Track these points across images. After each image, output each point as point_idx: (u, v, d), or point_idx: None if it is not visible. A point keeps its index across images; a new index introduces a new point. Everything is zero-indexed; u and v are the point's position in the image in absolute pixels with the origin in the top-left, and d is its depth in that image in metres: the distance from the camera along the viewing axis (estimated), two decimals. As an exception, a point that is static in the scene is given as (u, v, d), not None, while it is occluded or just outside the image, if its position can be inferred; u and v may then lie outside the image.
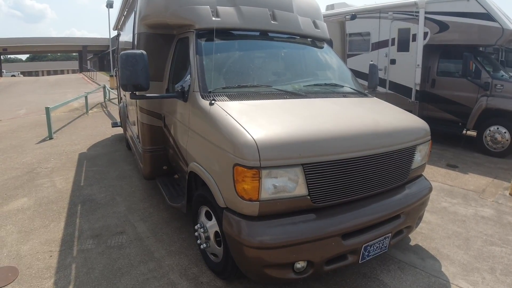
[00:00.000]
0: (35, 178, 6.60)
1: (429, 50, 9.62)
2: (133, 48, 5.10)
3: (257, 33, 4.29)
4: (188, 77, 3.67)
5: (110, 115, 14.87)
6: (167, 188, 4.61)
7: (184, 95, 3.63)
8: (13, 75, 61.06)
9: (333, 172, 2.86)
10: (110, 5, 35.03)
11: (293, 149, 2.67)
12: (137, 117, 5.12)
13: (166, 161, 5.00)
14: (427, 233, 4.56)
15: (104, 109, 16.85)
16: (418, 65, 9.55)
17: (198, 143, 3.42)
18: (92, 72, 42.30)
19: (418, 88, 9.70)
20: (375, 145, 3.10)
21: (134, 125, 5.84)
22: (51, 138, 10.20)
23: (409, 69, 9.85)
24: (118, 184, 6.16)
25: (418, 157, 3.62)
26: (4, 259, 3.84)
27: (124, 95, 7.62)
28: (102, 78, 39.00)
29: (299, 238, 2.71)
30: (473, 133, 9.41)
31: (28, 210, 5.13)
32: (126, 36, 6.89)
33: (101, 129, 11.64)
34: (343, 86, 4.32)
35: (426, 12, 9.39)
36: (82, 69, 58.56)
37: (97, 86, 29.94)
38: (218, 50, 3.94)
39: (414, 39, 9.80)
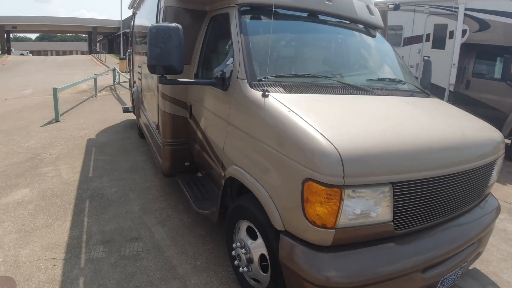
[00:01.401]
0: (39, 165, 5.99)
1: (465, 49, 8.86)
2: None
3: (306, 14, 3.60)
4: (230, 61, 3.00)
5: (119, 99, 14.24)
6: (190, 188, 3.97)
7: (224, 83, 2.97)
8: (22, 54, 60.47)
9: (421, 192, 2.22)
10: (122, -14, 34.15)
11: (384, 162, 2.03)
12: (157, 104, 4.47)
13: (189, 156, 4.37)
14: (482, 255, 3.92)
15: (113, 92, 16.22)
16: (454, 65, 8.82)
17: (243, 143, 2.75)
18: (102, 54, 41.58)
19: (452, 89, 8.98)
20: (464, 160, 2.52)
21: (152, 112, 5.21)
22: (57, 120, 9.59)
23: (443, 68, 9.09)
24: (131, 177, 5.53)
25: (494, 172, 3.03)
26: (0, 266, 3.23)
27: (139, 78, 6.97)
28: (112, 60, 38.27)
29: (379, 275, 2.07)
30: (507, 141, 8.68)
31: (30, 204, 4.52)
32: (145, 14, 6.22)
33: (110, 113, 11.01)
34: (405, 83, 3.66)
35: (466, 9, 8.63)
36: (91, 50, 57.83)
37: (106, 68, 29.33)
38: (266, 30, 3.27)
39: (451, 36, 9.07)
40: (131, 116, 9.75)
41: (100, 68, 30.30)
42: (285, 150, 2.16)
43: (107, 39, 68.54)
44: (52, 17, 59.34)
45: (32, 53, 73.46)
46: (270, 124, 2.36)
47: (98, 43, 61.31)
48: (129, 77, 9.97)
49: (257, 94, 2.59)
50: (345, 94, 2.87)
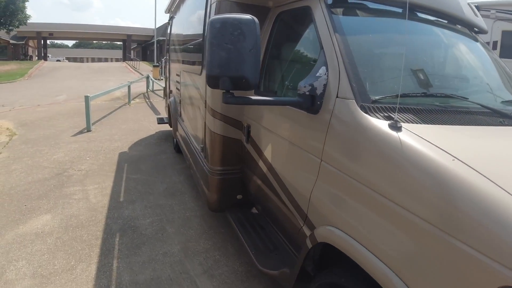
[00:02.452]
0: (65, 184, 5.30)
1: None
2: (204, 32, 3.67)
3: (400, 10, 2.68)
4: (321, 72, 2.11)
5: (153, 107, 13.67)
6: (246, 231, 3.11)
7: (313, 102, 2.09)
8: (58, 60, 62.01)
9: None
10: (158, -6, 34.19)
11: None
12: (204, 122, 3.66)
13: (242, 188, 3.52)
14: None
15: (147, 100, 15.71)
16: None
17: (353, 197, 1.78)
18: (135, 62, 41.81)
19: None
20: None
21: (195, 130, 4.41)
22: (89, 130, 9.00)
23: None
24: (167, 203, 4.73)
25: None
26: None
27: (177, 88, 6.22)
28: (145, 67, 38.35)
29: None
30: None
31: (50, 236, 3.78)
32: (186, 16, 5.48)
33: (144, 123, 10.38)
34: None
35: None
36: (125, 58, 58.60)
37: (139, 75, 29.23)
38: (365, 29, 2.42)
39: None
40: (165, 127, 9.06)
41: (134, 75, 30.23)
42: (456, 231, 1.23)
43: (140, 46, 69.46)
44: (87, 24, 60.52)
45: (68, 59, 75.49)
46: (417, 180, 1.42)
47: (132, 51, 62.10)
48: (164, 85, 9.29)
49: (376, 123, 1.68)
50: (495, 125, 1.94)
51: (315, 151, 2.10)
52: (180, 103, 5.93)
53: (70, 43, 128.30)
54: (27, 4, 31.71)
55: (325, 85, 2.07)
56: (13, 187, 5.13)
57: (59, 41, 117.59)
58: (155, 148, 7.60)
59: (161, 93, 16.26)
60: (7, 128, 9.08)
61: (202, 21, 3.80)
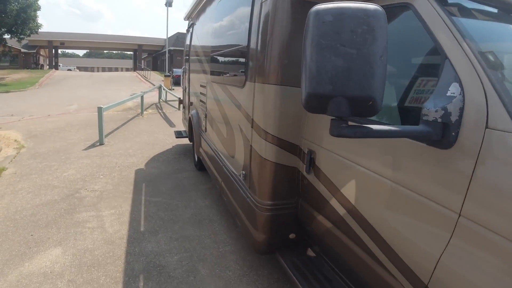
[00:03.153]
0: (77, 207, 4.67)
1: None
2: (249, 38, 3.03)
3: None
4: (452, 90, 1.45)
5: (166, 118, 13.09)
6: (307, 283, 2.44)
7: (445, 133, 1.44)
8: (69, 69, 62.12)
9: None
10: (169, 4, 33.95)
11: None
12: (249, 146, 3.01)
13: (296, 225, 2.86)
14: None
15: (160, 111, 15.15)
16: None
17: None
18: (146, 71, 41.56)
19: None
20: None
21: (230, 150, 3.77)
22: (101, 144, 8.41)
23: None
24: (195, 234, 4.08)
25: None
26: None
27: (201, 101, 5.61)
28: (156, 77, 38.02)
29: None
30: None
31: (61, 278, 3.13)
32: (216, 21, 4.90)
33: (159, 135, 9.78)
34: None
35: None
36: (136, 67, 58.54)
37: (150, 85, 28.84)
38: (493, 35, 1.81)
39: None
40: (182, 140, 8.45)
41: (145, 85, 29.86)
42: None
43: (151, 56, 69.46)
44: (99, 34, 60.96)
45: (79, 69, 75.66)
46: None
47: (142, 61, 62.12)
48: (178, 96, 8.70)
49: None
50: None
51: (448, 201, 1.44)
52: (205, 117, 5.31)
53: (81, 52, 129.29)
54: (38, 13, 31.46)
55: (461, 109, 1.42)
56: (18, 211, 4.52)
57: (70, 51, 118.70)
58: (174, 164, 6.97)
59: (175, 103, 15.72)
60: (15, 140, 8.53)
61: (246, 24, 3.18)
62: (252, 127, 2.92)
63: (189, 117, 6.80)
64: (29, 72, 37.34)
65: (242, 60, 3.33)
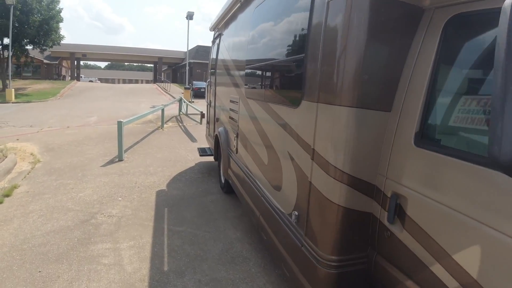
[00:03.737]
0: (92, 237, 4.13)
1: None
2: (307, 47, 2.45)
3: None
4: None
5: (187, 132, 12.60)
6: None
7: None
8: (91, 81, 62.83)
9: None
10: (190, 17, 33.97)
11: None
12: (309, 182, 2.40)
13: (365, 283, 2.23)
14: None
15: (180, 124, 14.70)
16: None
17: None
18: (166, 84, 41.57)
19: None
20: None
21: (276, 181, 3.16)
22: (120, 160, 7.93)
23: None
24: (229, 277, 3.46)
25: None
26: None
27: (232, 118, 5.06)
28: (176, 89, 37.92)
29: None
30: None
31: (67, 336, 2.56)
32: (246, 30, 4.38)
33: (180, 152, 9.26)
34: None
35: None
36: (156, 80, 58.88)
37: (170, 97, 28.66)
38: None
39: None
40: (206, 158, 7.89)
41: (165, 97, 29.71)
42: None
43: (171, 69, 69.91)
44: (120, 46, 61.49)
45: (101, 80, 76.64)
46: None
47: (162, 73, 62.52)
48: (206, 111, 8.18)
49: None
50: None
51: None
52: (237, 137, 4.74)
53: (102, 64, 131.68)
54: (61, 25, 31.72)
55: None
56: (27, 239, 4.01)
57: (92, 62, 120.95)
58: (198, 185, 6.40)
59: (195, 117, 15.23)
60: (31, 154, 8.13)
61: (302, 30, 2.60)
62: (312, 159, 2.32)
63: (216, 135, 6.24)
64: (51, 83, 37.71)
65: (295, 74, 2.76)
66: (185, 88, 29.33)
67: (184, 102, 18.59)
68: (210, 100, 7.54)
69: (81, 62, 70.48)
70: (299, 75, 2.59)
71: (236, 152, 4.80)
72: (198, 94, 31.19)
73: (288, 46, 2.93)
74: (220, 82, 6.30)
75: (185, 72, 38.64)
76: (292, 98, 2.74)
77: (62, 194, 5.54)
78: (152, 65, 76.35)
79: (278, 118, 3.03)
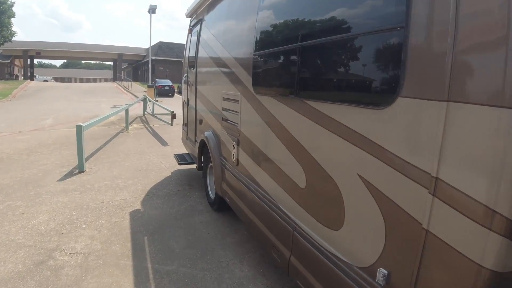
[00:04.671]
0: (49, 290, 3.01)
1: None
2: (409, 13, 1.50)
3: None
4: None
5: (156, 135, 11.38)
6: None
7: None
8: (46, 80, 59.18)
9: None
10: (152, 11, 32.22)
11: None
12: (423, 230, 1.46)
13: None
14: None
15: (146, 125, 13.41)
16: None
17: None
18: (127, 82, 39.55)
19: None
20: None
21: (325, 216, 2.21)
22: (81, 171, 6.69)
23: None
24: None
25: None
26: None
27: (228, 121, 4.03)
28: (137, 88, 36.12)
29: None
30: None
31: None
32: (247, 6, 3.40)
33: (151, 158, 8.10)
34: None
35: None
36: (116, 78, 56.27)
37: (133, 96, 27.10)
38: None
39: None
40: (184, 165, 6.77)
41: (126, 96, 28.07)
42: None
43: (131, 67, 67.32)
44: (77, 43, 58.20)
45: (56, 79, 72.44)
46: None
47: (122, 71, 59.94)
48: (183, 112, 7.08)
49: None
50: None
51: None
52: (238, 144, 3.73)
53: (57, 63, 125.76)
54: (14, 22, 29.30)
55: None
56: (-46, 300, 2.82)
57: (46, 61, 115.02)
58: (181, 201, 5.32)
59: (165, 117, 13.89)
60: (-28, 168, 6.73)
61: None
62: (433, 193, 1.35)
63: (202, 140, 5.17)
64: (2, 83, 34.81)
65: (380, 55, 1.77)
66: (148, 87, 27.86)
67: (149, 101, 17.21)
68: (188, 99, 6.45)
69: (35, 61, 66.54)
70: (391, 56, 1.62)
71: (237, 164, 3.78)
72: (162, 92, 29.84)
73: (361, 14, 1.93)
74: (204, 77, 5.25)
75: (147, 69, 37.06)
76: (373, 93, 1.77)
77: (10, 222, 4.32)
78: (111, 63, 73.36)
79: (331, 123, 2.05)
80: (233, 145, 3.85)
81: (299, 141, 2.47)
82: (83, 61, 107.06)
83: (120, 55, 57.09)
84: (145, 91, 28.71)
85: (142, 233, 4.18)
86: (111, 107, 19.15)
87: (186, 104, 6.66)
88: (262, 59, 3.19)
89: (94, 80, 79.51)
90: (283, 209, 2.73)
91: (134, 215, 4.71)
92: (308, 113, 2.32)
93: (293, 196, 2.60)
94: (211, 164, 5.07)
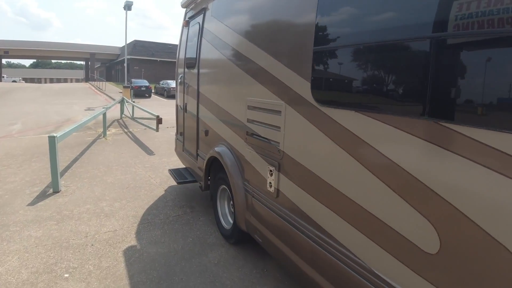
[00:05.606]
0: None
1: None
2: None
3: None
4: None
5: (137, 141, 10.25)
6: None
7: None
8: (14, 81, 56.28)
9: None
10: (128, 7, 30.57)
11: None
12: None
13: None
14: None
15: (126, 131, 12.21)
16: None
17: None
18: (100, 82, 37.76)
19: None
20: None
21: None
22: (56, 191, 5.58)
23: None
24: None
25: None
26: None
27: (261, 137, 3.06)
28: (112, 88, 34.49)
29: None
30: None
31: None
32: None
33: (137, 171, 7.02)
34: None
35: None
36: (88, 78, 54.04)
37: (107, 97, 25.78)
38: None
39: None
40: (180, 183, 5.72)
41: (101, 97, 26.61)
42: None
43: (104, 66, 64.98)
44: (47, 42, 55.65)
45: (26, 80, 69.10)
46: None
47: (95, 71, 57.67)
48: (177, 118, 6.06)
49: None
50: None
51: None
52: (278, 170, 2.78)
53: (27, 62, 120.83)
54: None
55: None
56: None
57: (15, 61, 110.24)
58: (185, 232, 4.32)
59: (149, 122, 12.66)
60: None
61: None
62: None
63: (211, 157, 4.16)
64: (-36, 84, 32.58)
65: None
66: (124, 87, 26.39)
67: (126, 102, 15.93)
68: (185, 103, 5.43)
69: (3, 61, 63.27)
70: None
71: (277, 196, 2.82)
72: (139, 93, 28.64)
73: None
74: (212, 78, 4.30)
75: (121, 69, 35.52)
76: None
77: (-39, 274, 3.22)
78: (83, 62, 70.77)
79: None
80: (270, 170, 2.89)
81: (429, 186, 1.54)
82: (53, 61, 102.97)
83: (92, 54, 54.84)
84: (121, 92, 27.30)
85: (145, 284, 3.16)
86: (85, 110, 17.84)
87: (182, 109, 5.63)
88: (334, 54, 2.24)
89: (66, 81, 76.54)
90: (385, 278, 1.79)
91: (129, 256, 3.68)
92: (459, 148, 1.41)
93: (407, 262, 1.67)
94: (223, 186, 4.10)
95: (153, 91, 31.06)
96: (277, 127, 2.77)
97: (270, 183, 2.91)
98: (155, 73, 43.15)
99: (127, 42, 33.91)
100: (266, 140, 2.97)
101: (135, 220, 4.60)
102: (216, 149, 4.02)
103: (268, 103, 2.88)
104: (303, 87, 2.41)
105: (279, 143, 2.77)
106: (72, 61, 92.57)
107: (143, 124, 13.00)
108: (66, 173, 6.61)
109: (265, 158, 3.01)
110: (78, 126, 7.77)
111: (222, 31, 3.91)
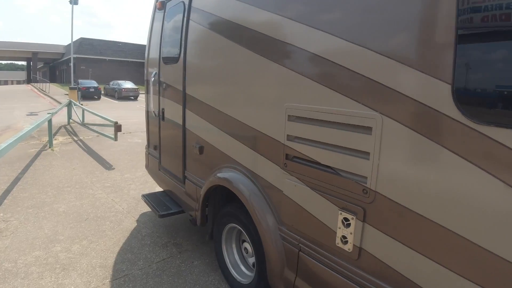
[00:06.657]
0: None
1: None
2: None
3: None
4: None
5: (91, 152, 8.72)
6: None
7: None
8: None
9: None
10: (74, 2, 28.23)
11: None
12: None
13: None
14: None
15: (76, 139, 10.58)
16: None
17: None
18: (44, 84, 34.85)
19: None
20: None
21: None
22: (-8, 231, 4.13)
23: None
24: None
25: None
26: None
27: (330, 171, 1.93)
28: (56, 90, 31.79)
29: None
30: None
31: None
32: None
33: (96, 192, 5.66)
34: None
35: None
36: (31, 79, 50.10)
37: (51, 100, 23.58)
38: None
39: None
40: (145, 204, 4.45)
41: (44, 100, 24.27)
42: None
43: (48, 66, 60.82)
44: (-16, 41, 50.63)
45: (-44, 83, 63.35)
46: None
47: (37, 71, 53.69)
48: (149, 127, 4.81)
49: None
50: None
51: None
52: (364, 219, 1.70)
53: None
54: None
55: None
56: None
57: None
58: (179, 287, 3.10)
59: (100, 128, 11.03)
60: None
61: None
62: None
63: (214, 185, 2.97)
64: None
65: None
66: (70, 89, 24.23)
67: (74, 106, 14.10)
68: (162, 109, 4.19)
69: None
70: None
71: (358, 257, 1.71)
72: (87, 95, 26.72)
73: None
74: (214, 75, 3.10)
75: (66, 69, 33.06)
76: None
77: None
78: (24, 62, 65.90)
79: None
80: (344, 219, 1.79)
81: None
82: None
83: (35, 54, 50.94)
84: (67, 94, 25.06)
85: None
86: (27, 115, 15.80)
87: (156, 116, 4.36)
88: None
89: (6, 83, 71.17)
90: None
91: None
92: None
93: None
94: (231, 225, 2.94)
95: (102, 92, 29.06)
96: (363, 153, 1.68)
97: (343, 237, 1.81)
98: (103, 73, 40.98)
99: (74, 39, 31.52)
100: (334, 171, 1.85)
101: (105, 273, 3.32)
102: (223, 174, 2.83)
103: (341, 115, 1.77)
104: (429, 91, 1.33)
105: (366, 178, 1.67)
106: (13, 62, 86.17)
107: (95, 131, 11.32)
108: (5, 201, 5.13)
109: (331, 199, 1.89)
110: (19, 139, 6.16)
111: (231, 7, 2.74)
